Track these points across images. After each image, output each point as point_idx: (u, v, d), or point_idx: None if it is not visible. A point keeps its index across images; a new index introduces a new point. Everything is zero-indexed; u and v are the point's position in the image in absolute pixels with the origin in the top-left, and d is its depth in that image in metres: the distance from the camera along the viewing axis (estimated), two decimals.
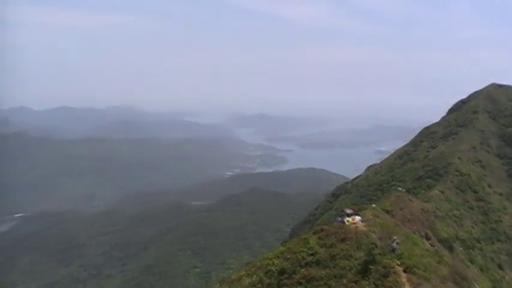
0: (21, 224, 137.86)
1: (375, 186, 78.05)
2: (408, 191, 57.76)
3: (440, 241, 44.11)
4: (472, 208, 62.06)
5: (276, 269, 29.26)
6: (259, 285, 28.91)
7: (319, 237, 30.75)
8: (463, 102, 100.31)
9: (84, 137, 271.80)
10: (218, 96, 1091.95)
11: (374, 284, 26.48)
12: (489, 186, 70.29)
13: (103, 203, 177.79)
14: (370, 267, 27.15)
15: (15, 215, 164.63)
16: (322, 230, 32.08)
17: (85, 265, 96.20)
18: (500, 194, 69.62)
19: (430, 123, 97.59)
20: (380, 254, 28.05)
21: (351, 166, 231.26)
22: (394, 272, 27.30)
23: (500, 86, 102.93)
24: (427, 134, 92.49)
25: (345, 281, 26.85)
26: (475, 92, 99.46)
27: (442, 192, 61.75)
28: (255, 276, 29.96)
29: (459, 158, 72.20)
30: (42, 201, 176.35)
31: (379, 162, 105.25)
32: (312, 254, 29.12)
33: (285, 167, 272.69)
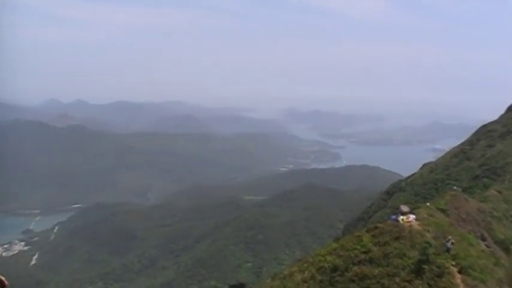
0: (79, 214, 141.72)
1: (429, 184, 76.54)
2: (464, 190, 56.38)
3: (496, 243, 42.96)
4: None
5: (329, 266, 29.28)
6: (311, 281, 29.00)
7: (373, 235, 30.55)
8: None
9: (140, 130, 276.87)
10: (274, 92, 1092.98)
11: (427, 284, 26.17)
12: None
13: (158, 196, 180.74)
14: (424, 266, 26.82)
15: (73, 206, 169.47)
16: (376, 227, 31.84)
17: (140, 256, 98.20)
18: None
19: (488, 121, 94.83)
20: (434, 253, 27.64)
21: (405, 164, 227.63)
22: (449, 273, 26.87)
23: None
24: (485, 133, 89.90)
25: (398, 279, 26.65)
26: None
27: (500, 192, 59.96)
28: (307, 272, 30.07)
29: None
30: (99, 193, 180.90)
31: (434, 160, 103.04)
32: (365, 252, 28.99)
33: (338, 164, 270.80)
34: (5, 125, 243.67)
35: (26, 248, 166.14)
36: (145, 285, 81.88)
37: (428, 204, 39.87)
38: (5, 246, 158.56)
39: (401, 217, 32.24)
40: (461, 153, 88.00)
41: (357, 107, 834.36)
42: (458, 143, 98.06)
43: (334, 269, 28.81)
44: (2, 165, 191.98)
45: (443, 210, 40.05)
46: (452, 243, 28.96)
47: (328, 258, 29.95)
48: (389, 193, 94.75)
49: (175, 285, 75.93)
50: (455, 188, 54.31)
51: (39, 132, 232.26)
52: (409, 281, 26.31)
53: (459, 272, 27.31)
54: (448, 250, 28.59)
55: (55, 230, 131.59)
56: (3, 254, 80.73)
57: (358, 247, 29.52)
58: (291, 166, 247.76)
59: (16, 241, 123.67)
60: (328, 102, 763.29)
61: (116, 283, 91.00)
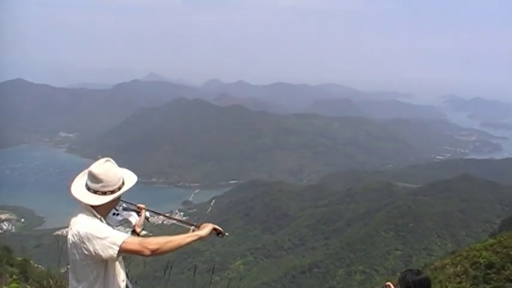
0: (234, 190, 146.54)
1: None
2: None
3: None
4: None
5: (484, 262, 27.21)
6: (464, 276, 27.14)
7: None
8: None
9: (297, 112, 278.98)
10: (432, 78, 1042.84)
11: None
12: None
13: (312, 178, 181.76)
14: None
15: (230, 182, 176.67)
16: None
17: (290, 234, 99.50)
18: None
19: None
20: None
21: None
22: None
23: None
24: None
25: None
26: None
27: None
28: (460, 266, 28.15)
29: None
30: (255, 170, 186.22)
31: None
32: None
33: (499, 155, 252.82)
34: (172, 103, 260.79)
35: (184, 218, 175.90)
36: (294, 264, 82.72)
37: None
38: (166, 214, 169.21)
39: None
40: None
41: None
42: None
43: (490, 265, 26.60)
44: (168, 140, 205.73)
45: None
46: None
47: (484, 253, 27.72)
48: None
49: (323, 267, 75.80)
50: None
51: (201, 110, 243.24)
52: None
53: None
54: None
55: (212, 204, 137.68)
56: (164, 222, 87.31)
57: None
58: (447, 155, 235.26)
59: (176, 211, 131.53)
60: (492, 89, 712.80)
61: (266, 258, 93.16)
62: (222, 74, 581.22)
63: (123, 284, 3.55)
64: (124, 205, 3.85)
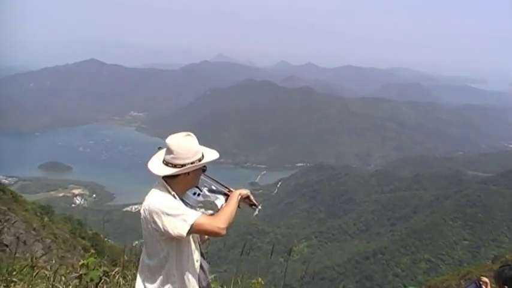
0: (301, 172, 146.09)
1: None
2: None
3: None
4: None
5: None
6: None
7: None
8: None
9: (365, 95, 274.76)
10: (507, 63, 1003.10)
11: None
12: None
13: (379, 162, 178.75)
14: None
15: (296, 164, 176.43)
16: None
17: (355, 219, 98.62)
18: None
19: None
20: None
21: None
22: None
23: None
24: None
25: None
26: None
27: None
28: None
29: None
30: (321, 154, 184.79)
31: None
32: None
33: None
34: (240, 84, 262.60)
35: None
36: (358, 249, 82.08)
37: None
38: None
39: None
40: None
41: None
42: None
43: None
44: (236, 121, 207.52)
45: None
46: None
47: None
48: None
49: (388, 253, 74.81)
50: None
51: (269, 92, 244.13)
52: None
53: None
54: None
55: (278, 185, 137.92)
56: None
57: None
58: None
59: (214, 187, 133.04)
60: None
61: (330, 242, 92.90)
62: (290, 56, 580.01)
63: (197, 265, 3.47)
64: (213, 187, 3.65)
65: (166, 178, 3.37)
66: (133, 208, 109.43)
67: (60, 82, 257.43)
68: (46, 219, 25.79)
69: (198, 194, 3.55)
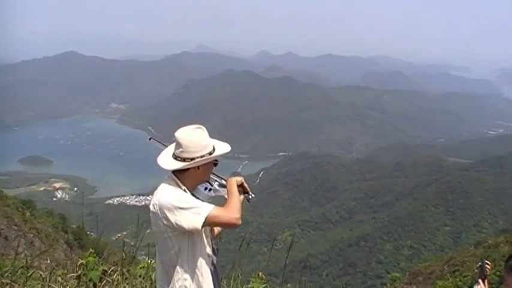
0: (283, 162, 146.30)
1: None
2: None
3: None
4: None
5: None
6: None
7: None
8: None
9: (347, 84, 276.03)
10: (488, 51, 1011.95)
11: None
12: None
13: (361, 151, 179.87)
14: None
15: (279, 153, 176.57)
16: None
17: (338, 207, 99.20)
18: None
19: None
20: None
21: None
22: None
23: None
24: None
25: None
26: None
27: None
28: None
29: None
30: (303, 143, 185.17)
31: None
32: None
33: None
34: (221, 74, 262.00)
35: None
36: (341, 237, 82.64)
37: None
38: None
39: None
40: None
41: None
42: None
43: None
44: (217, 112, 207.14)
45: None
46: None
47: None
48: None
49: (371, 240, 75.40)
50: None
51: (250, 82, 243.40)
52: None
53: None
54: None
55: (260, 175, 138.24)
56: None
57: None
58: (501, 130, 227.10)
59: (223, 182, 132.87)
60: None
61: (313, 231, 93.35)
62: (271, 46, 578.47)
63: (209, 260, 3.38)
64: (224, 182, 3.59)
65: (176, 172, 3.33)
66: (115, 201, 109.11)
67: (39, 75, 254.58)
68: (28, 214, 25.60)
69: (210, 189, 3.52)
